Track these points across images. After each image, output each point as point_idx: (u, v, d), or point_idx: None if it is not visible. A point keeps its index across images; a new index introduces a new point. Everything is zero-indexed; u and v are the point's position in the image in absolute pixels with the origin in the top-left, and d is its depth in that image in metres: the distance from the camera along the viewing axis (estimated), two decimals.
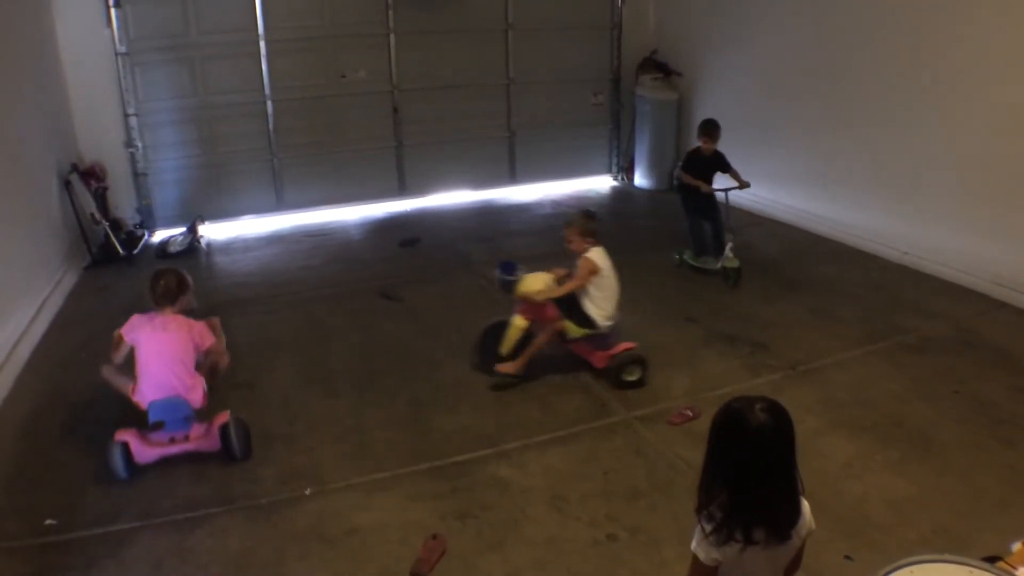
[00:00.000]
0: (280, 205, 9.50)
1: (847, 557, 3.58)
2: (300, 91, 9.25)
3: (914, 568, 2.26)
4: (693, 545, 2.40)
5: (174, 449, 4.42)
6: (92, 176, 8.13)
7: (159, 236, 8.76)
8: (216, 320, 4.92)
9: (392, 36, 9.50)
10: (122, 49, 8.38)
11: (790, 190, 8.81)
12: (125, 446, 4.28)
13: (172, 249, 8.27)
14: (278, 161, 9.36)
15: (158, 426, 4.35)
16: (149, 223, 8.92)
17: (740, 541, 2.26)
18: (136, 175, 8.81)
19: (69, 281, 7.31)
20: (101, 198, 8.24)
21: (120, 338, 4.49)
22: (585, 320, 5.22)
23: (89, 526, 3.94)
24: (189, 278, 4.76)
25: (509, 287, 5.50)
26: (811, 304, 6.53)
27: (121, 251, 7.96)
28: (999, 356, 5.55)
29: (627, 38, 10.77)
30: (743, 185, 7.19)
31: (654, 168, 10.65)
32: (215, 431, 4.44)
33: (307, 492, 4.19)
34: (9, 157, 6.36)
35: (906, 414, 4.82)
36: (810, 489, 4.05)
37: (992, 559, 2.45)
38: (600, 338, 5.29)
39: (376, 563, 3.66)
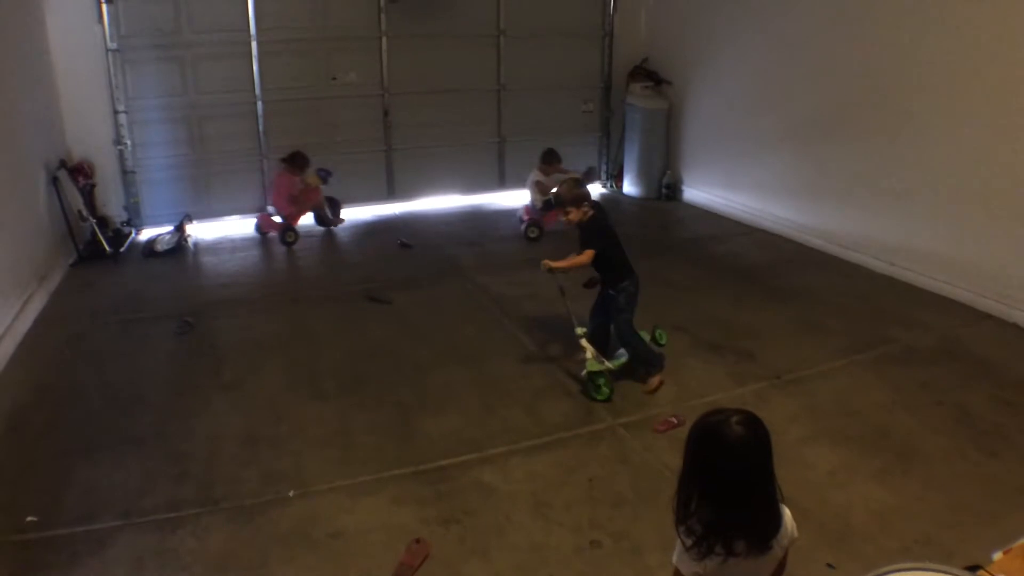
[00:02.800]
0: (268, 206, 9.46)
1: (829, 565, 3.59)
2: (291, 93, 9.23)
3: None
4: (674, 558, 2.41)
5: None
6: (80, 173, 8.10)
7: (146, 234, 8.71)
8: None
9: (384, 40, 9.50)
10: (113, 46, 8.34)
11: (777, 200, 8.84)
12: None
13: (159, 248, 8.23)
14: (267, 162, 9.33)
15: None
16: (136, 221, 8.88)
17: (721, 554, 2.26)
18: (124, 173, 8.77)
19: (55, 278, 7.28)
20: (89, 195, 8.20)
21: None
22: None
23: (71, 524, 3.91)
24: None
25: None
26: (797, 314, 6.56)
27: (108, 249, 7.92)
28: (983, 367, 5.58)
29: (618, 46, 10.81)
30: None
31: (643, 176, 10.67)
32: None
33: (291, 494, 4.18)
34: None
35: (890, 424, 4.85)
36: (794, 498, 4.08)
37: (973, 568, 2.47)
38: None
39: (359, 566, 3.65)
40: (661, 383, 5.29)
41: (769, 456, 2.26)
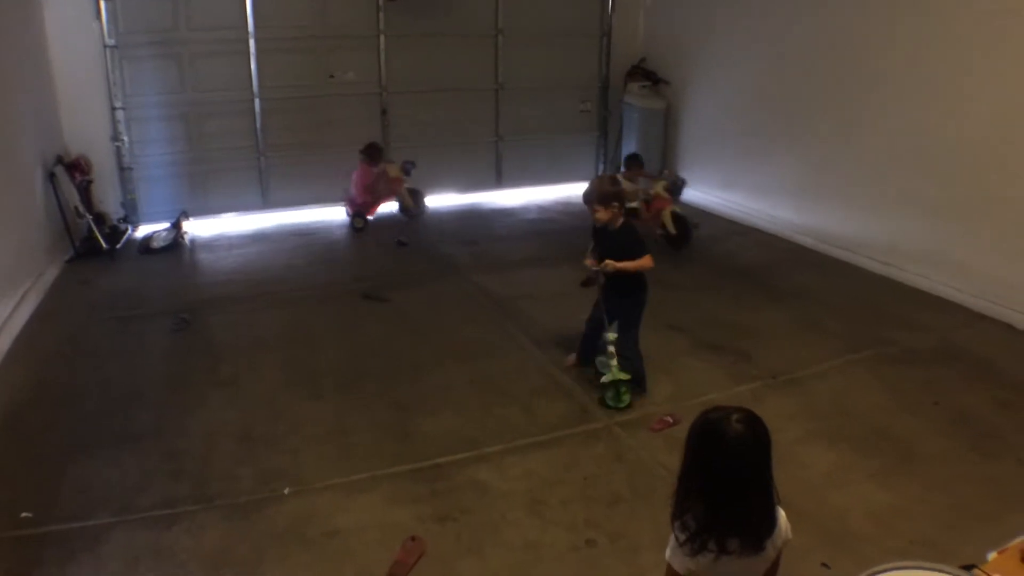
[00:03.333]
0: (265, 203, 9.46)
1: (824, 565, 3.59)
2: (288, 90, 9.22)
3: (891, 575, 2.27)
4: (667, 554, 2.41)
5: None
6: (77, 169, 8.07)
7: (143, 231, 8.71)
8: None
9: (382, 38, 9.49)
10: (111, 42, 8.32)
11: (775, 200, 8.85)
12: None
13: (156, 245, 8.22)
14: (264, 160, 9.33)
15: None
16: (133, 218, 8.86)
17: (714, 551, 2.26)
18: (121, 169, 8.75)
19: (51, 274, 7.26)
20: (85, 191, 8.18)
21: None
22: None
23: (66, 520, 3.90)
24: None
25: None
26: (794, 314, 6.56)
27: (104, 245, 7.90)
28: (980, 368, 5.59)
29: (616, 46, 10.81)
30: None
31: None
32: None
33: (286, 492, 4.17)
34: None
35: (887, 425, 4.85)
36: (791, 498, 4.07)
37: (968, 567, 2.46)
38: None
39: (355, 564, 3.64)
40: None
41: (768, 456, 2.26)
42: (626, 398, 5.07)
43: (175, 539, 3.79)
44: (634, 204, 8.27)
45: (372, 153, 9.12)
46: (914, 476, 4.32)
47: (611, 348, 5.05)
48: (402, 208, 9.53)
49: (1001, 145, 6.33)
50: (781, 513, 2.38)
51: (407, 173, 9.35)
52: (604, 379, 5.07)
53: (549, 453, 4.57)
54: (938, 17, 6.75)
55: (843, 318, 6.49)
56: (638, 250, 5.02)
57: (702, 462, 2.28)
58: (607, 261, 4.97)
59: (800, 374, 5.51)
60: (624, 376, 5.02)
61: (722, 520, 2.25)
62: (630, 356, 5.18)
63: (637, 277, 5.14)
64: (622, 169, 9.25)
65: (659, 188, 8.48)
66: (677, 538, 2.34)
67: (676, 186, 8.79)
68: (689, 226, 8.20)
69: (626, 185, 8.04)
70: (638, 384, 5.21)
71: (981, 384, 5.33)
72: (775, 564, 2.44)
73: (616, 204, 4.98)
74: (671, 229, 8.17)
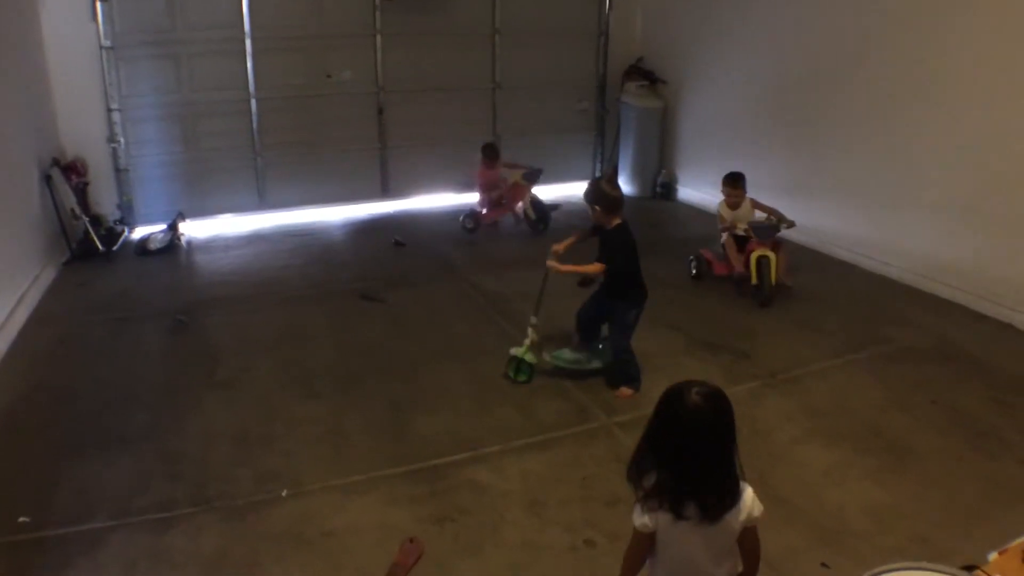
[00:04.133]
0: (262, 204, 9.45)
1: (824, 565, 3.59)
2: (285, 90, 9.21)
3: (893, 575, 2.27)
4: (633, 516, 2.48)
5: None
6: (73, 171, 8.06)
7: (139, 233, 8.69)
8: None
9: (379, 37, 9.48)
10: (107, 43, 8.31)
11: (773, 200, 8.76)
12: None
13: (152, 246, 8.21)
14: (261, 160, 9.32)
15: None
16: (130, 219, 8.85)
17: (668, 512, 2.36)
18: (118, 171, 8.74)
19: (48, 276, 7.25)
20: (82, 193, 8.16)
21: None
22: None
23: (63, 525, 3.89)
24: None
25: (774, 232, 6.97)
26: (792, 314, 6.56)
27: (101, 247, 7.89)
28: (978, 367, 5.59)
29: (613, 45, 10.80)
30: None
31: (637, 175, 10.68)
32: None
33: (283, 494, 4.16)
34: None
35: (885, 424, 4.85)
36: (788, 496, 4.09)
37: (969, 567, 2.46)
38: None
39: (353, 566, 3.63)
40: (631, 395, 5.25)
41: (728, 432, 2.34)
42: (523, 376, 5.38)
43: (173, 542, 3.78)
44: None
45: (487, 153, 9.08)
46: (911, 475, 4.32)
47: (531, 330, 5.35)
48: (526, 219, 9.08)
49: (998, 144, 6.33)
50: (748, 490, 2.43)
51: (530, 181, 9.04)
52: (512, 351, 5.38)
53: (547, 453, 4.56)
54: (935, 16, 6.75)
55: (841, 317, 6.49)
56: (606, 254, 5.09)
57: (661, 427, 2.39)
58: (550, 263, 5.14)
59: (798, 373, 5.51)
60: (531, 359, 5.33)
61: (675, 485, 2.35)
62: (625, 357, 5.23)
63: (632, 282, 5.15)
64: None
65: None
66: (635, 494, 2.45)
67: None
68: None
69: (725, 213, 7.48)
70: (633, 379, 5.25)
71: (979, 383, 5.33)
72: (752, 544, 2.51)
73: (601, 207, 5.07)
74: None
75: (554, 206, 9.11)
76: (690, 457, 2.33)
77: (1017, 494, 4.14)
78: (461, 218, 9.11)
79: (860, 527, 3.88)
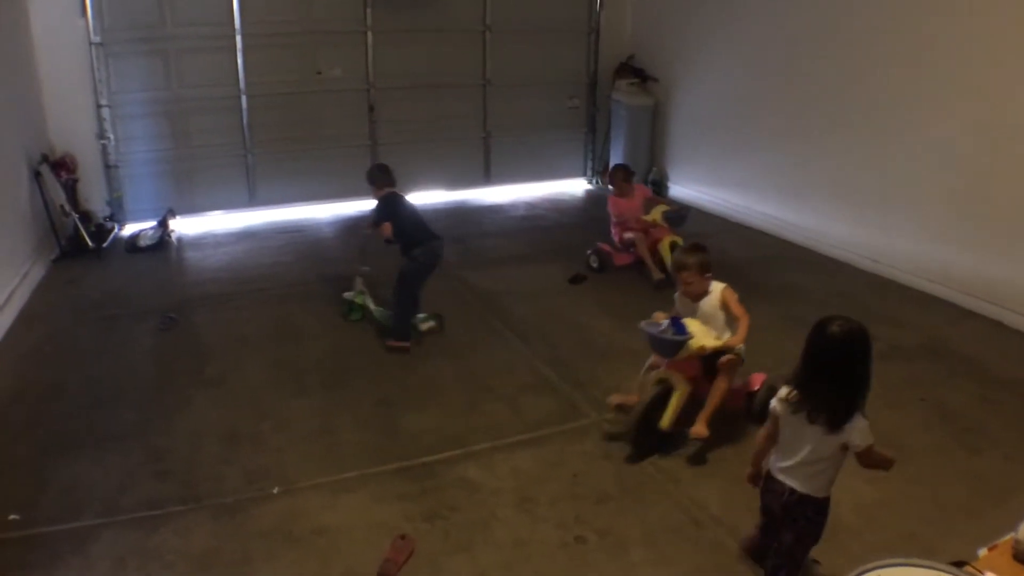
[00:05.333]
0: (253, 201, 9.43)
1: (814, 561, 3.60)
2: (275, 87, 9.19)
3: (882, 572, 2.27)
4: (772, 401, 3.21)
5: None
6: (63, 167, 8.03)
7: (129, 229, 8.67)
8: None
9: (369, 34, 9.46)
10: (96, 39, 8.28)
11: (762, 197, 8.86)
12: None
13: (142, 243, 8.19)
14: (251, 157, 9.29)
15: None
16: (119, 216, 8.82)
17: (791, 407, 3.07)
18: (107, 167, 8.71)
19: (37, 273, 7.22)
20: (71, 190, 8.13)
21: None
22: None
23: (52, 522, 3.88)
24: None
25: (677, 348, 4.36)
26: (781, 311, 6.55)
27: (90, 244, 7.87)
28: (966, 365, 5.61)
29: (604, 43, 10.80)
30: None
31: None
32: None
33: (275, 491, 4.15)
34: None
35: (873, 420, 4.81)
36: None
37: (959, 564, 2.47)
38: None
39: (343, 563, 3.63)
40: (399, 350, 5.80)
41: (858, 361, 2.96)
42: (355, 316, 6.34)
43: (163, 540, 3.77)
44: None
45: (622, 175, 7.59)
46: (900, 471, 4.28)
47: (359, 279, 6.35)
48: (652, 271, 7.12)
49: (988, 142, 6.36)
50: (860, 420, 2.99)
51: (673, 223, 7.38)
52: (345, 295, 6.42)
53: (537, 451, 4.57)
54: (926, 14, 6.77)
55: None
56: (373, 217, 6.06)
57: (808, 346, 3.06)
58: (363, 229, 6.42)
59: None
60: (360, 301, 6.32)
61: (809, 390, 3.02)
62: (398, 302, 5.92)
63: (407, 243, 5.91)
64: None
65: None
66: (781, 393, 3.16)
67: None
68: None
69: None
70: (399, 334, 5.86)
71: (967, 380, 5.36)
72: (869, 460, 3.08)
73: (370, 184, 6.20)
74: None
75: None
76: (816, 372, 3.00)
77: (1006, 490, 4.16)
78: (588, 253, 7.56)
79: (850, 523, 3.90)
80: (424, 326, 6.08)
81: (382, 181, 6.17)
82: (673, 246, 6.80)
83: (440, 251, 6.02)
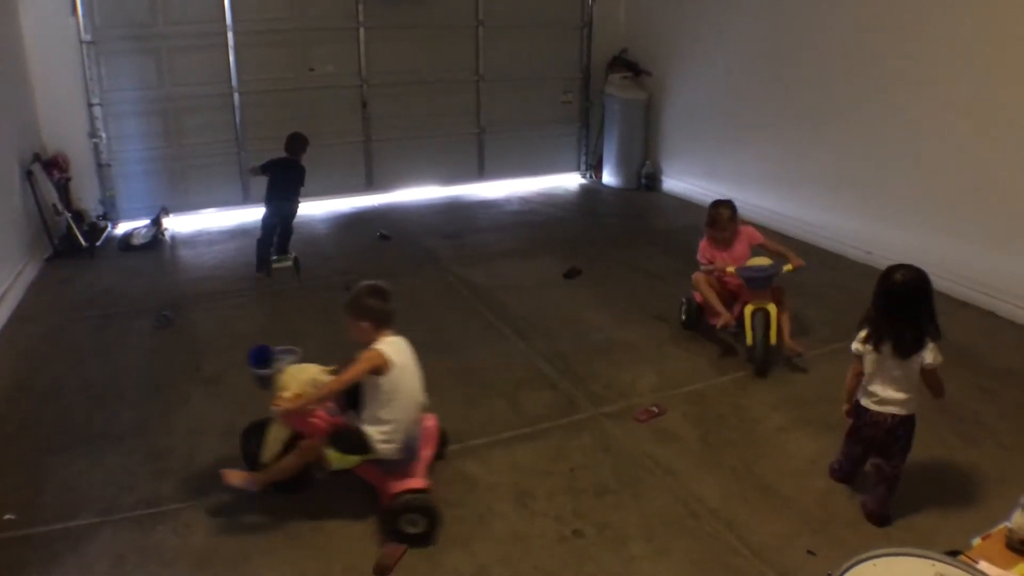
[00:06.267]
0: (246, 199, 9.39)
1: (810, 552, 3.62)
2: (268, 84, 9.17)
3: (877, 561, 2.29)
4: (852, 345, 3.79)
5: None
6: (55, 166, 8.01)
7: (122, 228, 8.65)
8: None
9: (361, 30, 9.45)
10: (87, 37, 8.25)
11: (758, 190, 8.87)
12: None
13: (136, 242, 8.17)
14: (244, 154, 9.26)
15: None
16: (112, 215, 8.80)
17: (872, 347, 3.66)
18: (100, 166, 8.69)
19: (30, 273, 7.20)
20: (64, 189, 8.11)
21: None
22: (355, 442, 3.80)
23: (49, 521, 3.88)
24: None
25: (265, 383, 4.13)
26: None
27: (84, 243, 7.84)
28: (961, 355, 5.61)
29: (597, 37, 10.80)
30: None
31: (622, 166, 10.69)
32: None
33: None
34: None
35: None
36: (774, 485, 4.13)
37: (953, 553, 2.48)
38: (390, 463, 3.86)
39: (342, 560, 3.63)
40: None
41: (921, 300, 3.58)
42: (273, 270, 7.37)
43: (161, 538, 3.77)
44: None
45: (725, 213, 5.67)
46: None
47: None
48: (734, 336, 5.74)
49: (982, 134, 6.37)
50: (931, 345, 3.62)
51: (755, 286, 5.45)
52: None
53: (535, 445, 4.57)
54: (923, 6, 6.78)
55: (826, 307, 6.52)
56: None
57: (876, 292, 3.66)
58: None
59: (782, 362, 5.54)
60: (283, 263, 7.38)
61: (878, 328, 3.65)
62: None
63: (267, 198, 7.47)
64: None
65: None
66: (860, 335, 3.73)
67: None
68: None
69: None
70: (259, 264, 7.44)
71: (963, 371, 5.36)
72: (934, 380, 3.75)
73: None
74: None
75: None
76: (889, 313, 3.61)
77: (999, 480, 4.18)
78: (682, 302, 6.10)
79: (846, 515, 3.91)
80: (277, 264, 7.34)
81: (288, 148, 7.54)
82: (757, 315, 5.37)
83: (285, 211, 7.54)
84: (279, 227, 7.51)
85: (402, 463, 3.88)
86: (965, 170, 6.54)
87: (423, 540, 3.71)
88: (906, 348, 3.59)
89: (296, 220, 7.76)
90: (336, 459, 3.81)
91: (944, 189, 6.73)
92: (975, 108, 6.40)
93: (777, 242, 5.66)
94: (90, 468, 4.33)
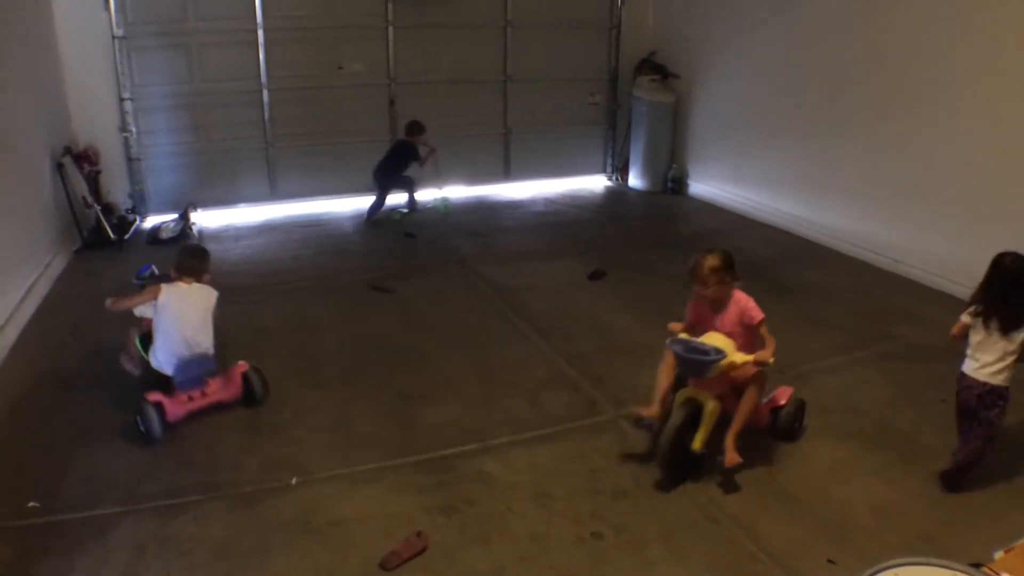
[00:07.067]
0: (273, 195, 9.48)
1: (830, 561, 3.59)
2: (296, 81, 9.23)
3: (899, 570, 2.28)
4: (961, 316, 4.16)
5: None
6: (85, 159, 8.09)
7: (151, 222, 8.73)
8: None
9: (391, 29, 9.49)
10: (119, 33, 8.34)
11: (784, 195, 8.83)
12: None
13: (164, 235, 8.24)
14: (272, 150, 9.34)
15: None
16: (141, 208, 8.89)
17: (979, 320, 4.03)
18: (129, 160, 8.78)
19: (59, 264, 7.28)
20: (94, 182, 8.19)
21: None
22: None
23: (71, 510, 3.92)
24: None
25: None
26: (801, 309, 6.54)
27: (112, 236, 7.92)
28: None
29: (626, 39, 10.79)
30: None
31: (648, 169, 10.66)
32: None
33: (293, 482, 4.18)
34: (0, 138, 6.32)
35: (892, 420, 4.84)
36: (795, 492, 4.10)
37: (976, 565, 2.46)
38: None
39: (359, 555, 3.64)
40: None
41: (1022, 282, 3.90)
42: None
43: (181, 528, 3.80)
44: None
45: (701, 266, 4.49)
46: (918, 472, 4.31)
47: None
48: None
49: (1013, 142, 6.30)
50: None
51: (687, 369, 4.21)
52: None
53: (555, 446, 4.57)
54: (952, 12, 6.71)
55: (850, 314, 6.47)
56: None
57: (987, 274, 4.02)
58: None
59: (806, 369, 5.49)
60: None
61: (985, 305, 4.00)
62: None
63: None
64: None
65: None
66: (969, 310, 4.11)
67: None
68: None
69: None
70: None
71: None
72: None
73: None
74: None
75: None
76: (996, 292, 3.95)
77: None
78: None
79: (866, 523, 3.88)
80: (394, 217, 9.11)
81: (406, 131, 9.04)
82: (682, 409, 4.17)
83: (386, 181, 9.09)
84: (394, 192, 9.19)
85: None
86: (993, 179, 6.46)
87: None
88: (1010, 326, 3.92)
89: (324, 218, 7.76)
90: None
91: (972, 197, 6.65)
92: (1007, 116, 6.32)
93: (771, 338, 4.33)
94: (112, 458, 4.37)
